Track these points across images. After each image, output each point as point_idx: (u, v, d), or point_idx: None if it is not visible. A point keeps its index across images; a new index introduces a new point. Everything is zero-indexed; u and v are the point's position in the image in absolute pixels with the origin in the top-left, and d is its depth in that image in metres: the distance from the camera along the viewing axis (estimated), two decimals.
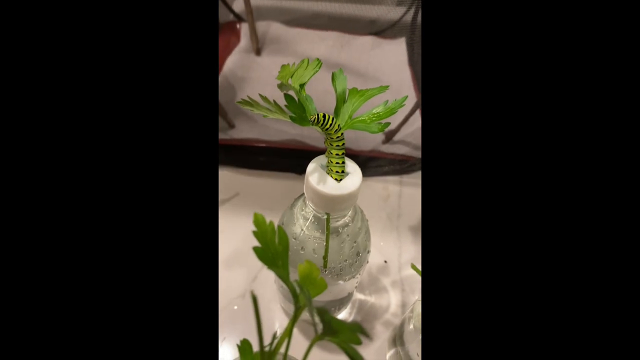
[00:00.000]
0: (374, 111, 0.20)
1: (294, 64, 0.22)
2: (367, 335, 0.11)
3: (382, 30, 0.60)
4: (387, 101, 0.21)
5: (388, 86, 0.21)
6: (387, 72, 0.54)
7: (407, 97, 0.20)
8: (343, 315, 0.34)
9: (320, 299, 0.28)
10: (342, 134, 0.20)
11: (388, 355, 0.30)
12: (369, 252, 0.26)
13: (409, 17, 0.58)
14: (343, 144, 0.20)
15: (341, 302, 0.30)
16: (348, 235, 0.24)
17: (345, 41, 0.59)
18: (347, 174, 0.21)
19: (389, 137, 0.44)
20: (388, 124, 0.20)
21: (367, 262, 0.27)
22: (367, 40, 0.59)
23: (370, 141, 0.44)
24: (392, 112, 0.20)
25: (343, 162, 0.20)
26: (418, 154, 0.43)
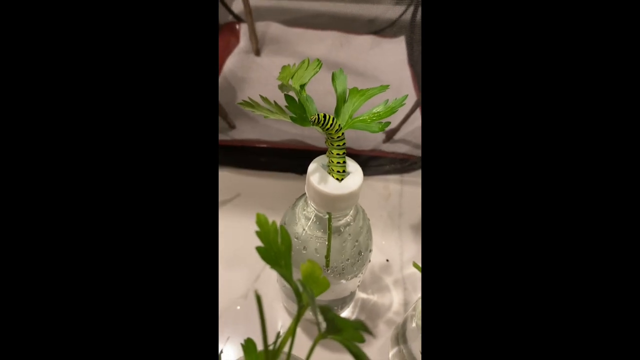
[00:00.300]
0: (375, 111, 0.21)
1: (294, 64, 0.22)
2: (370, 332, 0.11)
3: (382, 29, 0.60)
4: (387, 100, 0.21)
5: (388, 85, 0.21)
6: (387, 71, 0.54)
7: (407, 96, 0.20)
8: (345, 314, 0.34)
9: (323, 298, 0.29)
10: (342, 133, 0.20)
11: (391, 353, 0.30)
12: (370, 251, 0.26)
13: (408, 15, 0.58)
14: (344, 143, 0.20)
15: (344, 301, 0.31)
16: (350, 234, 0.24)
17: (345, 40, 0.59)
18: (348, 173, 0.21)
19: (390, 136, 0.44)
20: (388, 123, 0.20)
21: (369, 261, 0.27)
22: (367, 39, 0.59)
23: (371, 140, 0.44)
24: (392, 111, 0.20)
25: (344, 162, 0.20)
26: (419, 152, 0.43)
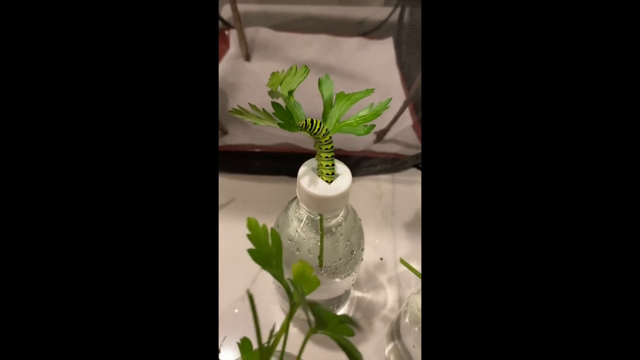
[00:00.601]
0: (360, 114, 0.21)
1: (283, 71, 0.22)
2: (356, 325, 0.11)
3: (370, 31, 0.61)
4: (372, 104, 0.21)
5: (373, 89, 0.22)
6: (376, 72, 0.55)
7: (391, 99, 0.21)
8: (342, 312, 0.34)
9: (318, 297, 0.29)
10: (330, 137, 0.21)
11: (387, 349, 0.31)
12: (362, 250, 0.27)
13: (395, 16, 0.59)
14: (332, 147, 0.21)
15: (339, 300, 0.31)
16: (341, 234, 0.24)
17: (334, 43, 0.60)
18: (338, 175, 0.22)
19: (380, 137, 0.45)
20: (373, 126, 0.21)
21: (362, 259, 0.28)
22: (355, 41, 0.60)
23: (362, 141, 0.45)
24: (377, 114, 0.21)
25: (333, 165, 0.21)
26: (409, 151, 0.44)
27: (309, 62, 0.59)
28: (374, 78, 0.54)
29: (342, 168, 0.22)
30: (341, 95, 0.22)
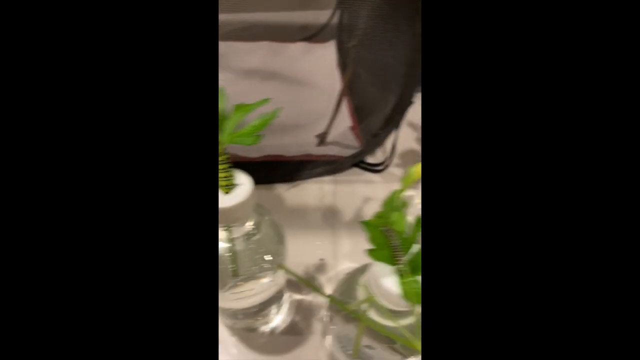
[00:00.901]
0: (252, 124, 0.22)
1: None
2: None
3: (312, 35, 0.62)
4: (263, 114, 0.22)
5: (269, 99, 0.23)
6: (319, 75, 0.56)
7: (281, 108, 0.22)
8: (282, 315, 0.35)
9: (252, 303, 0.30)
10: (224, 149, 0.21)
11: (321, 348, 0.32)
12: (280, 255, 0.27)
13: (336, 19, 0.60)
14: (227, 158, 0.22)
15: (274, 303, 0.32)
16: (254, 242, 0.25)
17: (278, 50, 0.61)
18: (236, 185, 0.22)
19: (322, 140, 0.46)
20: (262, 136, 0.21)
21: (281, 263, 0.28)
22: (299, 46, 0.60)
23: (302, 146, 0.45)
24: (265, 124, 0.22)
25: (229, 176, 0.22)
26: (347, 152, 0.45)
27: (255, 69, 0.60)
28: (317, 81, 0.55)
29: (242, 178, 0.23)
30: (238, 107, 0.23)
